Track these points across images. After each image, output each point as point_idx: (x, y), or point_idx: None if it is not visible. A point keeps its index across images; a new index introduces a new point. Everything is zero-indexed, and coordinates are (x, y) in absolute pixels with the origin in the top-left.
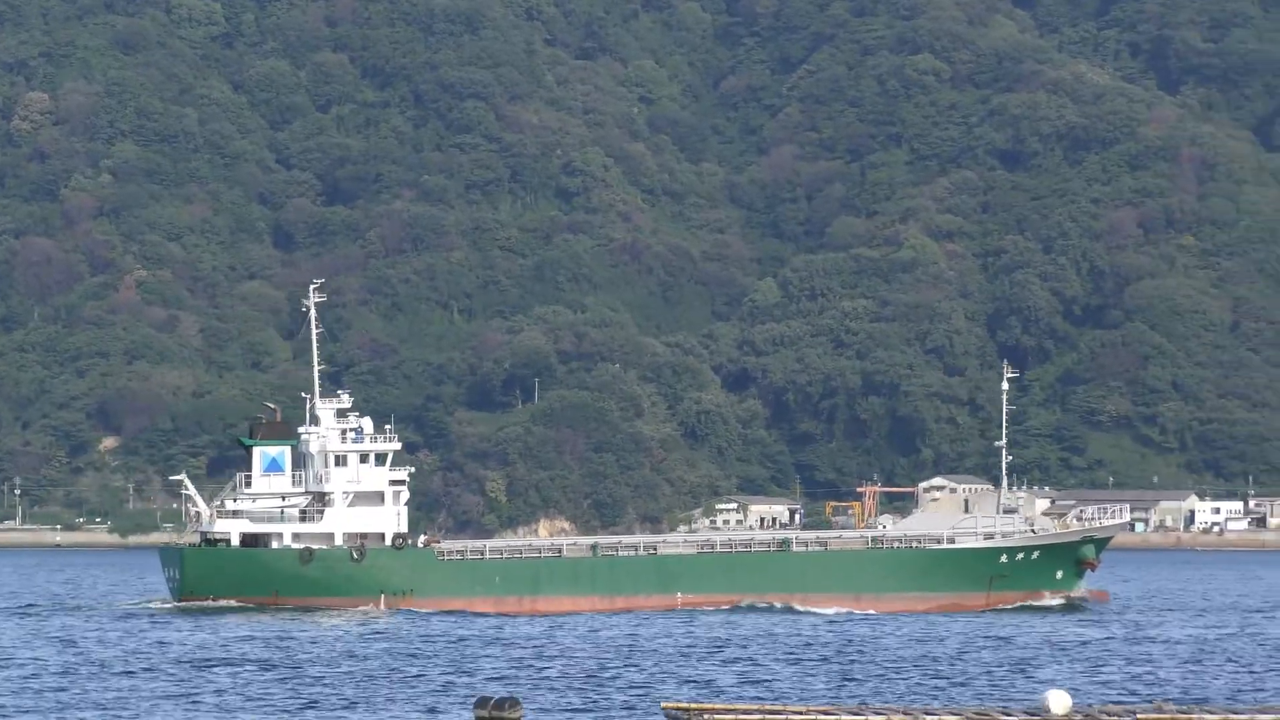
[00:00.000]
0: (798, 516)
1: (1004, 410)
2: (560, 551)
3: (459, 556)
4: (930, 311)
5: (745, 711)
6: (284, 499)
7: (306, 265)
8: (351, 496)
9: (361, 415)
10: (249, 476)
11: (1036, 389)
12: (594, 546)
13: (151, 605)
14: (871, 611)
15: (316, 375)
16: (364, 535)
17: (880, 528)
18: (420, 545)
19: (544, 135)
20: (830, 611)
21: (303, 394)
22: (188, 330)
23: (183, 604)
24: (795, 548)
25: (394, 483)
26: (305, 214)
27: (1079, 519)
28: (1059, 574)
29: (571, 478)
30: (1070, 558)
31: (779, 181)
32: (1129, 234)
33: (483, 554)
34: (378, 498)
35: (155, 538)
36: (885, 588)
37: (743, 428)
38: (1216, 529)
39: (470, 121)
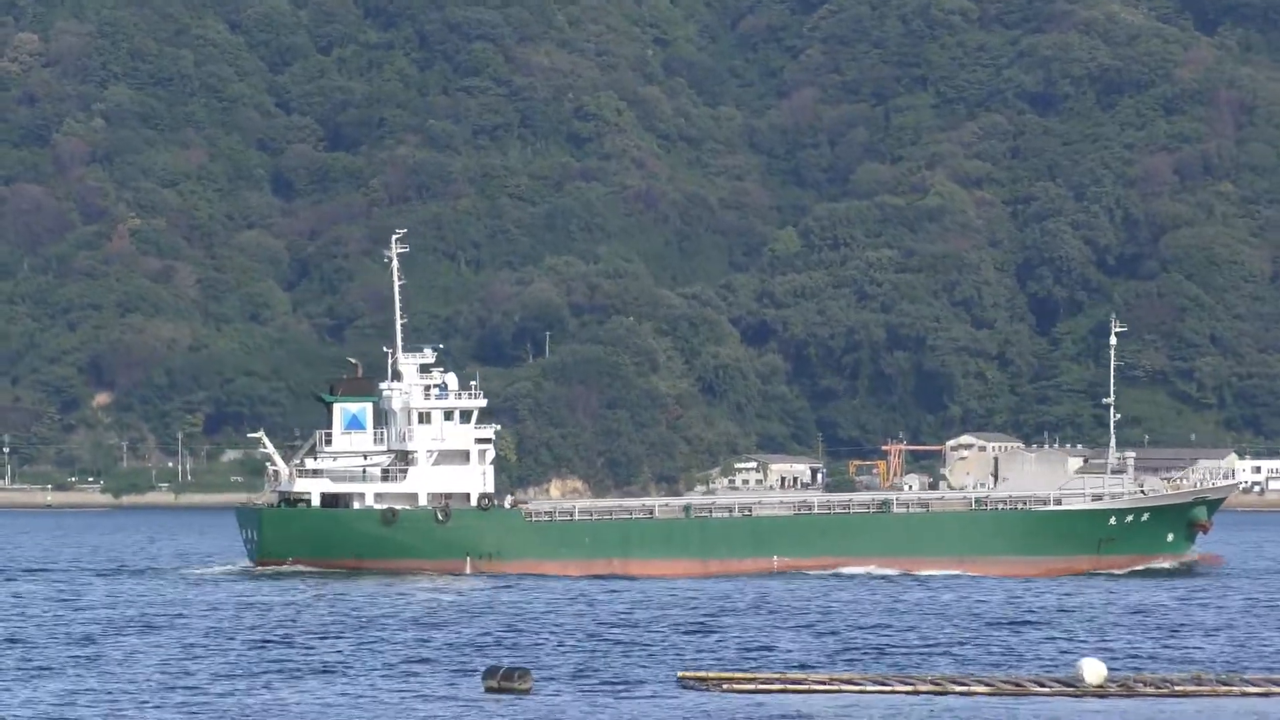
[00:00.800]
0: (820, 476)
1: (1111, 366)
2: (652, 512)
3: (547, 518)
4: (958, 262)
5: (765, 681)
6: (366, 458)
7: (307, 214)
8: (436, 455)
9: (445, 370)
10: (329, 435)
11: (1068, 343)
12: (687, 508)
13: (222, 569)
14: (977, 574)
15: (399, 329)
16: (449, 496)
17: (905, 487)
18: (507, 506)
19: (555, 78)
20: (940, 574)
21: (384, 348)
22: (184, 281)
23: (260, 567)
24: (896, 509)
25: (479, 441)
26: (306, 160)
27: (1188, 480)
28: (1170, 536)
29: (584, 435)
30: (1182, 520)
31: (800, 126)
32: (1164, 180)
33: (572, 515)
34: (463, 456)
35: (152, 497)
36: (990, 550)
37: (762, 383)
38: (1257, 489)
39: (478, 64)
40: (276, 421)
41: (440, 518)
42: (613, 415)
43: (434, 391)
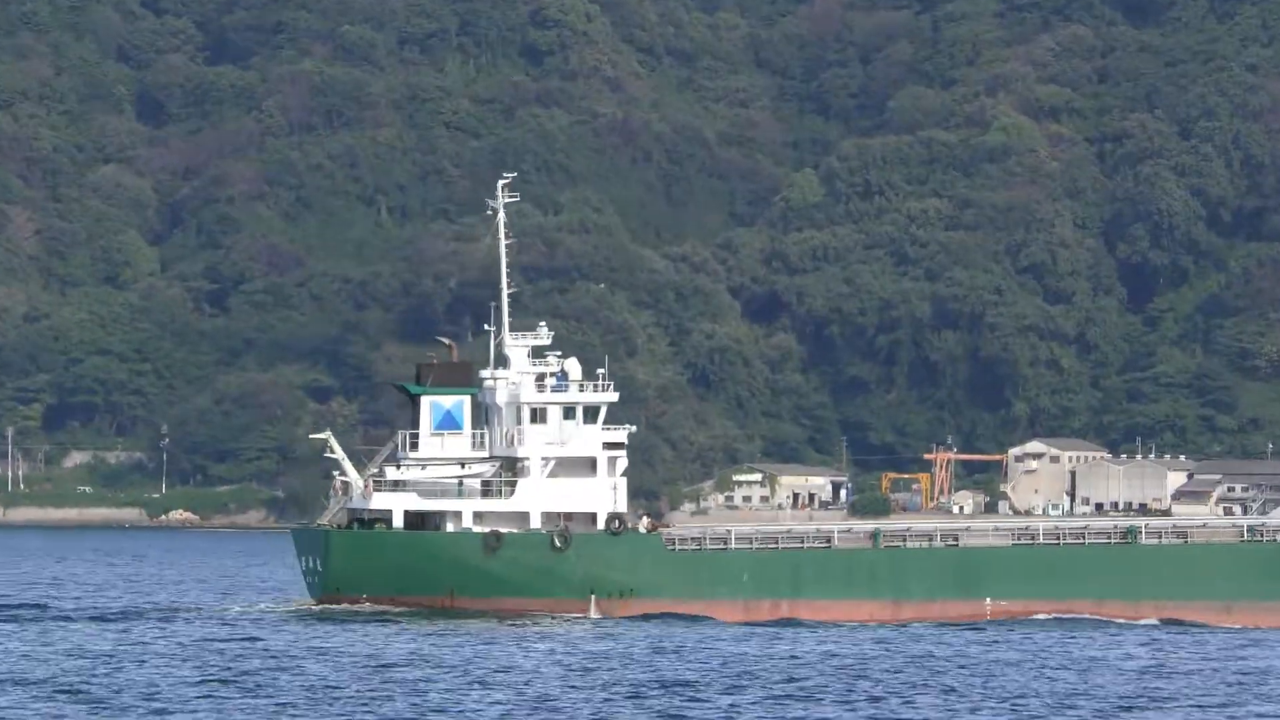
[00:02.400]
0: (844, 492)
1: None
2: (829, 540)
3: (694, 546)
4: (1026, 216)
5: None
6: (463, 466)
7: (181, 145)
8: (552, 464)
9: (565, 356)
10: (415, 436)
11: (1169, 323)
12: (875, 535)
13: (277, 608)
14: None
15: (505, 299)
16: (569, 516)
17: (957, 509)
18: (642, 529)
19: None
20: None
21: (487, 326)
22: (20, 231)
23: (324, 604)
24: (1145, 539)
25: (609, 446)
26: (181, 76)
27: None
28: None
29: None
30: None
31: (823, 39)
32: None
33: (725, 543)
34: (587, 466)
35: None
36: (1269, 594)
37: (771, 371)
38: None
39: None
40: (137, 415)
41: (558, 544)
42: None
43: (550, 381)
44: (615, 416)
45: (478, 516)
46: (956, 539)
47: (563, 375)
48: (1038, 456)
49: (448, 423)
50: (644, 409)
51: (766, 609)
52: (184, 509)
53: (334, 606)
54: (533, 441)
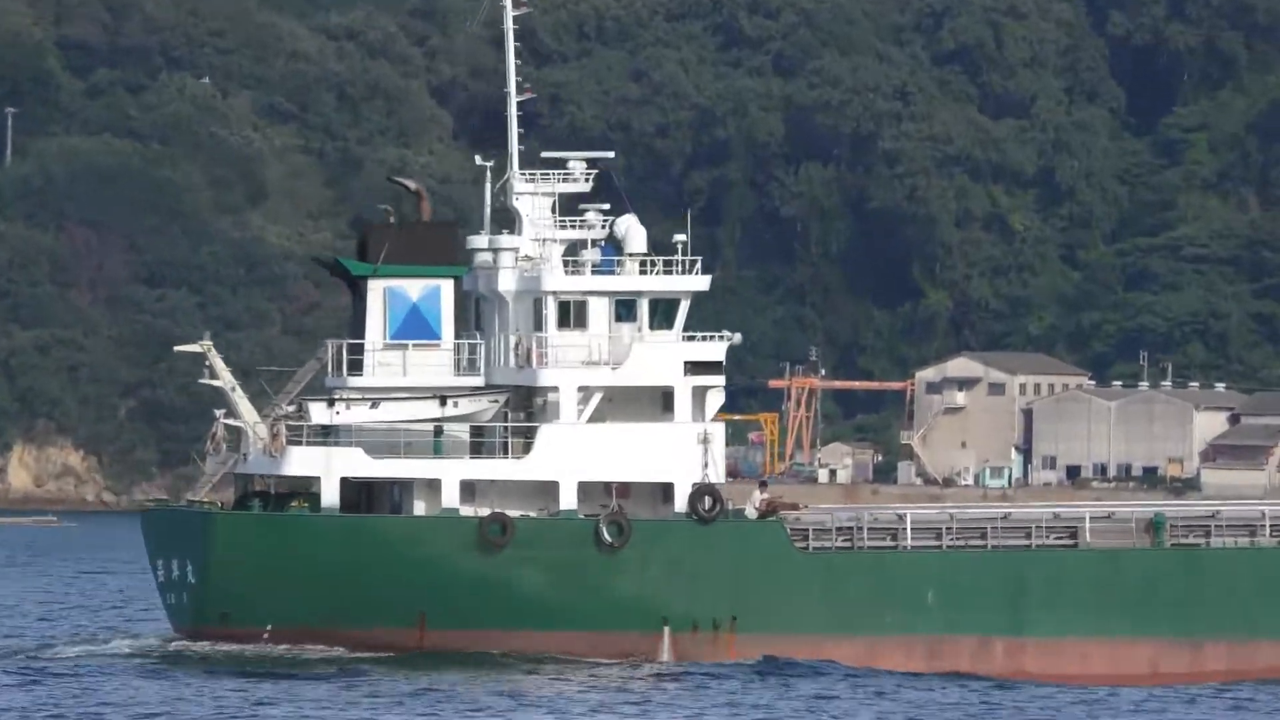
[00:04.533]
0: None
1: None
2: (1074, 533)
3: (844, 540)
4: None
5: None
6: (442, 403)
7: None
8: (597, 399)
9: (613, 207)
10: (358, 351)
11: (1199, 152)
12: (1156, 523)
13: (105, 650)
14: None
15: (513, 104)
16: (625, 489)
17: (825, 473)
18: (752, 511)
19: None
20: None
21: (479, 159)
22: None
23: (195, 640)
24: None
25: (696, 369)
26: None
27: None
28: None
29: None
30: None
31: None
32: None
33: (896, 535)
34: (657, 403)
35: None
36: None
37: None
38: None
39: None
40: None
41: (608, 537)
42: None
43: (593, 255)
44: (702, 318)
45: (467, 490)
46: None
47: (610, 244)
48: (967, 384)
49: (414, 327)
50: None
51: (967, 653)
52: None
53: (212, 647)
54: (563, 360)
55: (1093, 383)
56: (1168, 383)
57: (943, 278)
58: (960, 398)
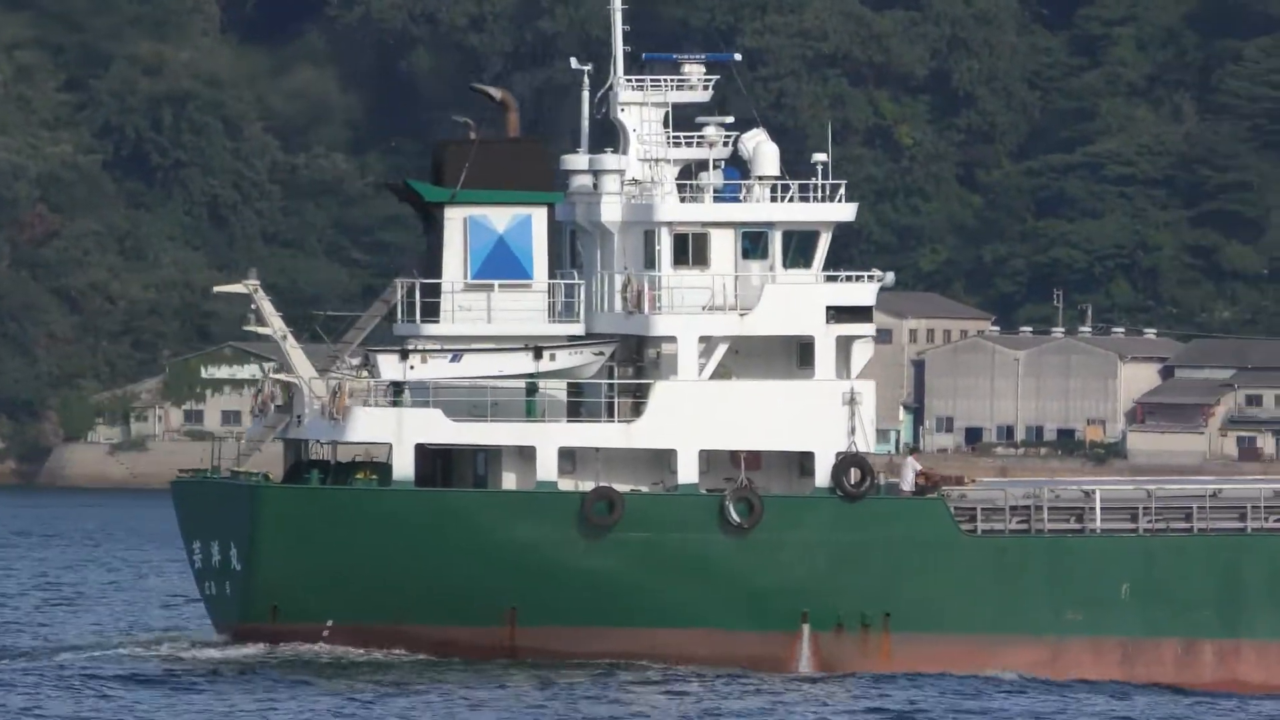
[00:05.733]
0: None
1: None
2: None
3: (1019, 521)
4: None
5: None
6: (536, 355)
7: None
8: (721, 351)
9: (735, 124)
10: (435, 292)
11: (1122, 47)
12: None
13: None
14: None
15: (618, 15)
16: (754, 458)
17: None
18: (908, 485)
19: None
20: None
21: (576, 63)
22: None
23: (240, 640)
24: None
25: (840, 315)
26: None
27: None
28: None
29: None
30: None
31: None
32: None
33: (1080, 516)
34: (792, 356)
35: None
36: None
37: None
38: None
39: None
40: None
41: (736, 516)
42: None
43: (713, 178)
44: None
45: (566, 459)
46: None
47: (737, 166)
48: None
49: (501, 263)
50: None
51: (1171, 657)
52: None
53: (261, 650)
54: (680, 305)
55: (996, 329)
56: (1087, 329)
57: None
58: None
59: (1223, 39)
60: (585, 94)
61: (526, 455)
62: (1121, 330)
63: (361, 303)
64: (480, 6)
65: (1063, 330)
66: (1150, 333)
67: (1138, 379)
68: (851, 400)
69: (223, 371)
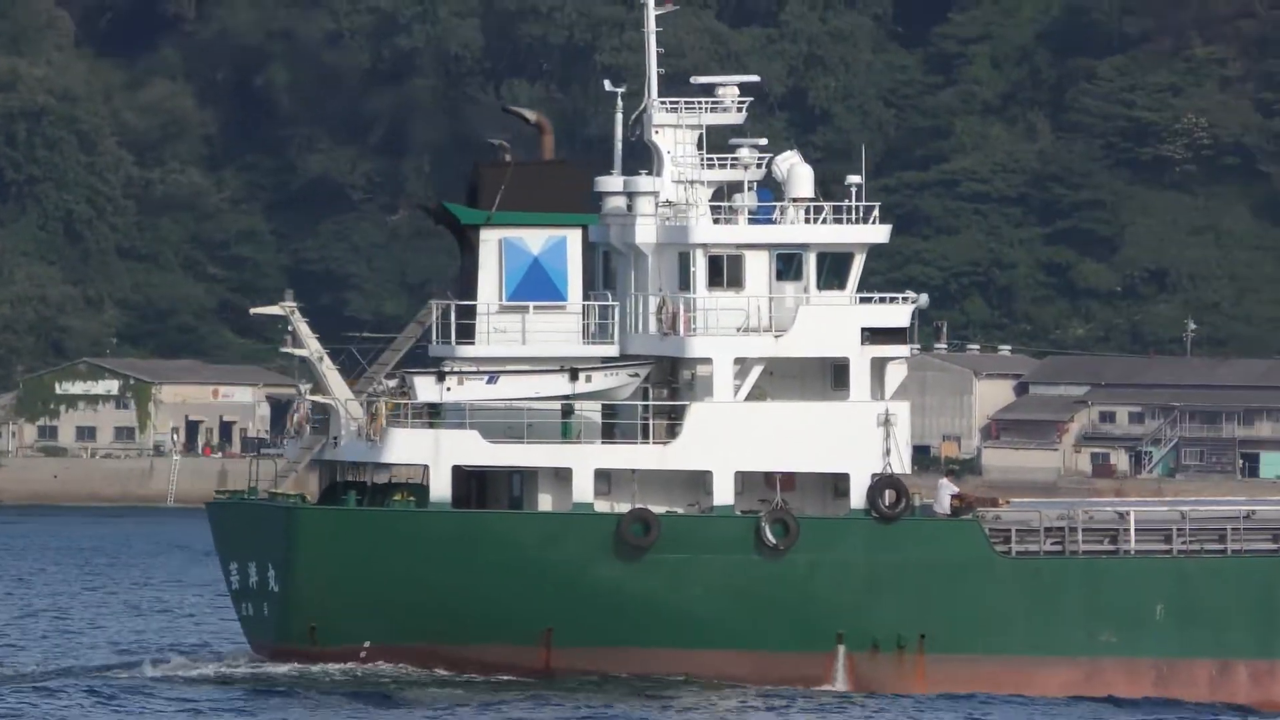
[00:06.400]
0: None
1: None
2: None
3: (1053, 542)
4: None
5: None
6: (572, 377)
7: None
8: (756, 373)
9: (768, 145)
10: (470, 314)
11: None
12: None
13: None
14: None
15: (652, 42)
16: (789, 479)
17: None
18: (942, 508)
19: None
20: None
21: (609, 85)
22: None
23: (276, 661)
24: None
25: (875, 336)
26: None
27: None
28: None
29: None
30: None
31: None
32: None
33: (1115, 537)
34: (828, 378)
35: None
36: None
37: None
38: None
39: None
40: None
41: (772, 537)
42: None
43: (747, 199)
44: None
45: (602, 480)
46: None
47: (769, 187)
48: None
49: (536, 285)
50: None
51: (1205, 678)
52: None
53: (296, 669)
54: (715, 326)
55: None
56: (942, 345)
57: None
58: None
59: (1076, 58)
60: (619, 115)
61: (562, 477)
62: (976, 347)
63: (217, 318)
64: (338, 23)
65: (918, 347)
66: (1005, 350)
67: (992, 396)
68: (886, 422)
69: (77, 387)
